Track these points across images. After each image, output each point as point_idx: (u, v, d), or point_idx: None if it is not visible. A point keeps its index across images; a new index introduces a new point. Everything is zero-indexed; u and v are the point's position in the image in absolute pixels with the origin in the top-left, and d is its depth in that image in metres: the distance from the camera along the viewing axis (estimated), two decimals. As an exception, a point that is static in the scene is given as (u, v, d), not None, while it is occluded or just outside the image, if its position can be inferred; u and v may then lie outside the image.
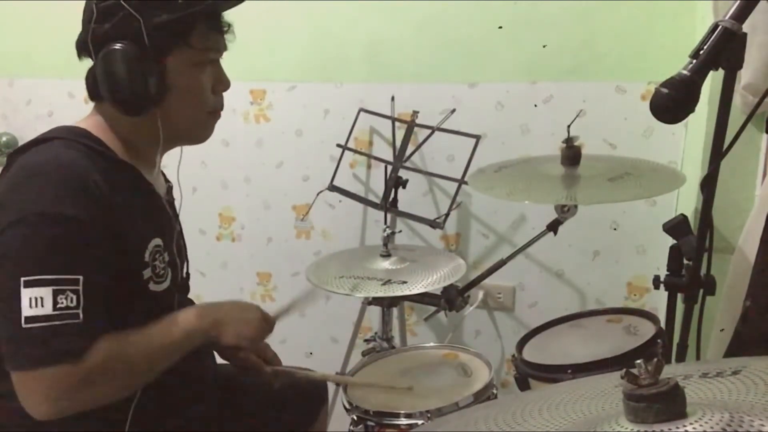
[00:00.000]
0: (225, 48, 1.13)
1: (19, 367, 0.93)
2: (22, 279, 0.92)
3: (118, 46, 1.00)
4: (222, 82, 1.14)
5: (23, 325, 0.91)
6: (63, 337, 0.93)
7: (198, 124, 1.14)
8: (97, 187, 0.99)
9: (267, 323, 1.22)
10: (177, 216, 1.25)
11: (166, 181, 1.27)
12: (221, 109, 1.16)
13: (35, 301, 0.91)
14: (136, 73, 1.01)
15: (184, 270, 1.27)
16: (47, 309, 0.92)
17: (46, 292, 0.92)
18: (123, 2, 1.00)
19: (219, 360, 1.33)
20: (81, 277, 0.94)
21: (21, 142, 1.20)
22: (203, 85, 1.10)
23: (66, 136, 1.04)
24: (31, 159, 1.01)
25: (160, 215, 1.17)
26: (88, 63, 1.08)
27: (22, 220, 0.94)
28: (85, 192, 0.97)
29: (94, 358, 0.95)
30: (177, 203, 1.26)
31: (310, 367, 1.50)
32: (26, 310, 0.91)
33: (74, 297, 0.93)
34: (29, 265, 0.93)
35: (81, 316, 0.94)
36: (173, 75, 1.06)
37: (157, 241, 1.11)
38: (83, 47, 1.06)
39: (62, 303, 0.92)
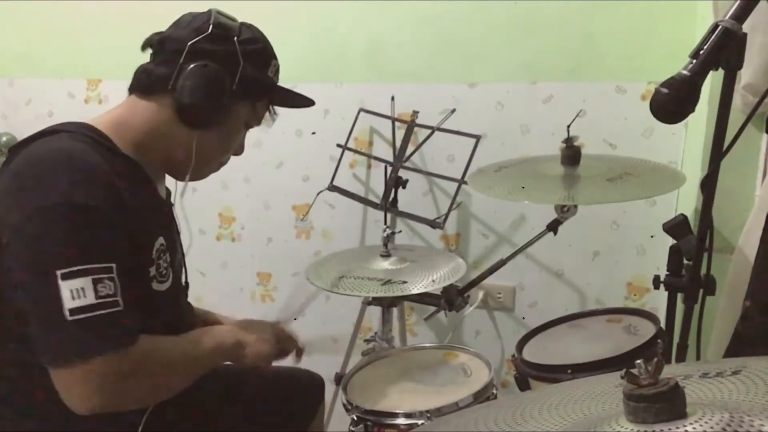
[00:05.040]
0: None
1: (68, 362, 0.92)
2: (58, 272, 0.90)
3: (218, 65, 1.09)
4: (242, 147, 1.26)
5: (69, 318, 0.90)
6: (111, 324, 0.93)
7: (208, 165, 1.21)
8: (107, 176, 0.99)
9: (279, 341, 1.27)
10: (176, 222, 1.25)
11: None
12: (224, 164, 1.26)
13: (77, 292, 0.90)
14: (217, 94, 1.10)
15: (183, 275, 1.27)
16: (90, 299, 0.91)
17: (86, 283, 0.91)
18: (237, 42, 1.11)
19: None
20: (114, 265, 0.94)
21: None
22: (237, 139, 1.22)
23: (71, 129, 1.05)
24: (39, 150, 1.00)
25: (162, 215, 1.18)
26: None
27: (41, 211, 0.92)
28: (99, 181, 0.97)
29: (140, 349, 0.96)
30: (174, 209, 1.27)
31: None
32: (69, 302, 0.90)
33: (111, 285, 0.93)
34: (62, 256, 0.91)
35: (121, 303, 0.94)
36: (230, 118, 1.15)
37: (162, 240, 1.11)
38: (167, 43, 1.11)
39: (102, 291, 0.92)
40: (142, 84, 1.13)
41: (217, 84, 1.09)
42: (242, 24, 1.16)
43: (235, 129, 1.19)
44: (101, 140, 1.06)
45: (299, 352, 1.35)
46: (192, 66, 1.08)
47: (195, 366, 1.09)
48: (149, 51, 1.15)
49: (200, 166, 1.18)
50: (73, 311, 0.90)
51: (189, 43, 1.08)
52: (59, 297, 0.90)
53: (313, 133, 2.17)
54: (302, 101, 1.25)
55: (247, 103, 1.17)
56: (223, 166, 1.27)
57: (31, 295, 0.93)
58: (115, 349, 0.93)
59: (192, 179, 1.18)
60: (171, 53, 1.10)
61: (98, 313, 0.91)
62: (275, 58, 1.20)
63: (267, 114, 1.25)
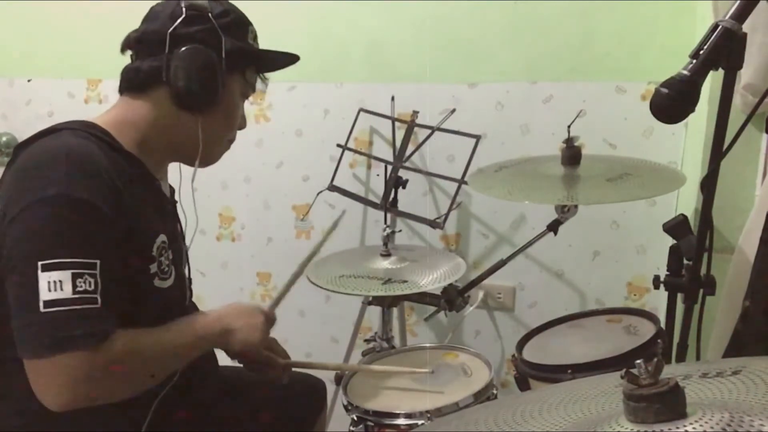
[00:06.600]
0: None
1: (37, 354, 0.91)
2: (40, 263, 0.90)
3: (202, 46, 1.09)
4: (245, 120, 1.25)
5: (42, 310, 0.89)
6: (84, 320, 0.91)
7: (218, 145, 1.21)
8: (107, 173, 0.99)
9: (269, 324, 1.24)
10: (179, 219, 1.25)
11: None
12: (233, 141, 1.25)
13: (54, 284, 0.89)
14: (210, 73, 1.10)
15: (187, 271, 1.27)
16: (67, 293, 0.90)
17: (65, 276, 0.90)
18: (212, 18, 1.11)
19: (220, 361, 1.33)
20: (98, 262, 0.93)
21: (21, 142, 1.20)
22: (239, 113, 1.22)
23: (74, 127, 1.05)
24: (41, 147, 1.00)
25: (165, 213, 1.18)
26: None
27: (37, 203, 0.92)
28: (98, 177, 0.97)
29: (113, 346, 0.93)
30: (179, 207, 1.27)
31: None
32: (45, 294, 0.89)
33: (92, 281, 0.92)
34: (46, 248, 0.91)
35: (99, 300, 0.92)
36: (227, 94, 1.16)
37: (164, 237, 1.11)
38: (146, 38, 1.11)
39: (81, 287, 0.91)
40: (134, 83, 1.12)
41: (207, 63, 1.10)
42: (211, 0, 1.15)
43: (233, 103, 1.19)
44: (104, 137, 1.06)
45: (284, 372, 1.32)
46: (179, 52, 1.08)
47: (176, 359, 1.07)
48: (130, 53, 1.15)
49: (210, 148, 1.18)
50: (47, 303, 0.89)
51: (168, 32, 1.08)
52: (36, 288, 0.89)
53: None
54: (286, 60, 1.24)
55: (237, 75, 1.17)
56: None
57: (13, 284, 0.93)
58: (86, 346, 0.91)
59: (206, 164, 1.19)
60: (153, 46, 1.10)
61: (73, 307, 0.90)
62: (251, 24, 1.20)
63: (258, 81, 1.25)
